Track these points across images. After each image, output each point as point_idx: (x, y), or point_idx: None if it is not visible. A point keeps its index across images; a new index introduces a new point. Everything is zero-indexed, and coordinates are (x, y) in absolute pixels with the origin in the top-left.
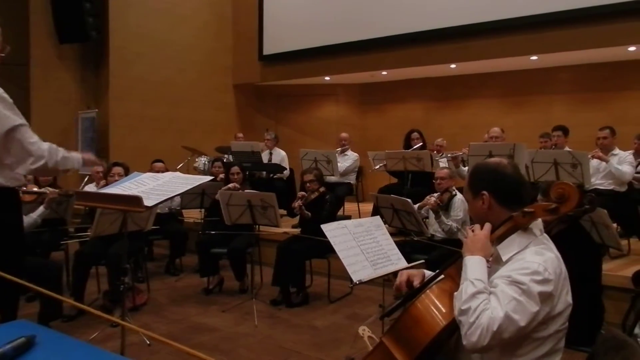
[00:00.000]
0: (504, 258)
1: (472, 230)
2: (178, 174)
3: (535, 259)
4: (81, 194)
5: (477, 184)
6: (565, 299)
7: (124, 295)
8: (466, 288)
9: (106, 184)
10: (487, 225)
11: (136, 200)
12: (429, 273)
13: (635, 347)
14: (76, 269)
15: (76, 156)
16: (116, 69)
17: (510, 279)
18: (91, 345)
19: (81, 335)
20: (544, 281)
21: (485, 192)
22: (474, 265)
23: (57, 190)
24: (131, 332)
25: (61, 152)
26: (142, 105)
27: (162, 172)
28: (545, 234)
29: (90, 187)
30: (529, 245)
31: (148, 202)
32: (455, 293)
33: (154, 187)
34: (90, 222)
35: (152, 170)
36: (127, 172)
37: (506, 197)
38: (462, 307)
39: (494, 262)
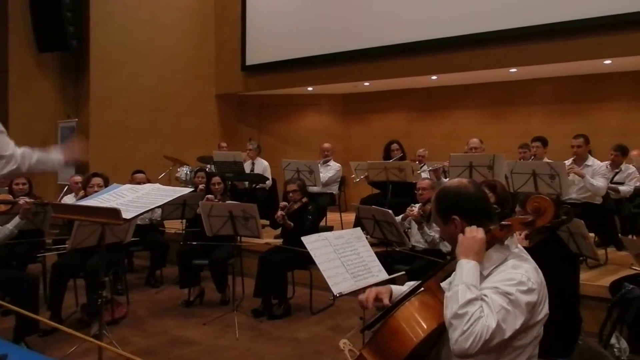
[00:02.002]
0: (485, 272)
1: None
2: (157, 185)
3: (517, 270)
4: (58, 206)
5: (445, 210)
6: (544, 308)
7: (102, 309)
8: (463, 292)
9: (85, 195)
10: (481, 230)
11: (114, 212)
12: (396, 288)
13: (609, 358)
14: (53, 282)
15: (54, 158)
16: (97, 78)
17: (498, 289)
18: None
19: (58, 350)
20: (529, 291)
21: (455, 217)
22: (470, 270)
23: (31, 200)
24: (112, 346)
25: (36, 155)
26: (123, 115)
27: (143, 182)
28: (521, 247)
29: (69, 198)
30: (508, 259)
31: (127, 215)
32: (448, 294)
33: (133, 199)
34: (68, 234)
35: (132, 181)
36: (106, 182)
37: (476, 217)
38: (459, 312)
39: None
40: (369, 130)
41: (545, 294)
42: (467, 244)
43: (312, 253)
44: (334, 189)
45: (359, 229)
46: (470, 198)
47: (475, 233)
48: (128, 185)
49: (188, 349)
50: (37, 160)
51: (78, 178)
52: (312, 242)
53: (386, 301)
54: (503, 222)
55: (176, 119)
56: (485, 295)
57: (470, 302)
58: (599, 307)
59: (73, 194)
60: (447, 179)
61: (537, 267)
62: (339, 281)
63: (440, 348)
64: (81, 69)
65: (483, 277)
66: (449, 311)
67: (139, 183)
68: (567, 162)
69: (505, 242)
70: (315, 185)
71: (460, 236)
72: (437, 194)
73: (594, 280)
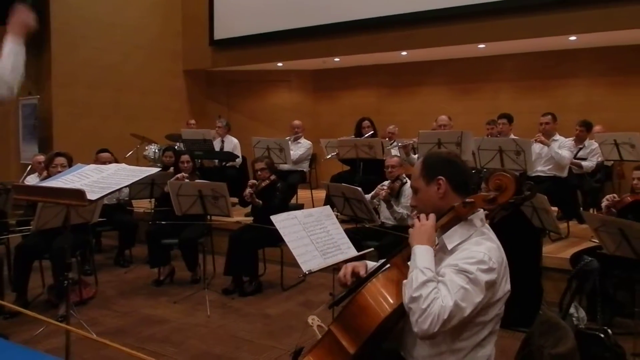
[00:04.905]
0: (449, 247)
1: (419, 219)
2: (123, 165)
3: (479, 248)
4: (20, 188)
5: (432, 171)
6: (505, 286)
7: (69, 291)
8: (416, 276)
9: (48, 176)
10: (432, 216)
11: (79, 193)
12: (371, 264)
13: (567, 329)
14: (17, 264)
15: (10, 47)
16: (58, 53)
17: (458, 267)
18: (27, 347)
19: (25, 332)
20: (489, 270)
21: (442, 177)
22: (422, 254)
23: None
24: (80, 327)
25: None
26: (87, 92)
27: (109, 162)
28: (486, 224)
29: (32, 178)
30: (472, 236)
31: (92, 196)
32: (405, 281)
33: (98, 179)
34: (32, 215)
35: (97, 160)
36: (70, 162)
37: (459, 184)
38: (413, 295)
39: (440, 251)
40: (339, 107)
41: (506, 273)
42: (418, 231)
43: (281, 232)
44: (305, 167)
45: (328, 207)
46: (458, 167)
47: (424, 221)
48: (93, 166)
49: (159, 327)
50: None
51: (41, 157)
52: (282, 221)
53: (363, 273)
54: (466, 200)
55: (142, 95)
56: (444, 275)
57: (424, 284)
58: (561, 279)
59: (36, 174)
60: (417, 155)
61: (500, 245)
62: (309, 259)
63: (406, 321)
64: (41, 43)
65: (448, 252)
66: (406, 297)
67: (104, 162)
68: (532, 140)
69: (469, 218)
70: (285, 163)
71: (411, 229)
72: (427, 155)
73: (556, 252)
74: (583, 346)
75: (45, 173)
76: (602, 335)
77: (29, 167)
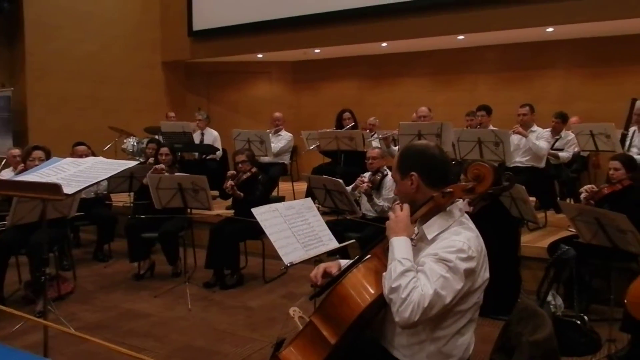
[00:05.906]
0: (429, 237)
1: (394, 213)
2: (101, 158)
3: (459, 238)
4: None
5: (406, 165)
6: (484, 274)
7: (46, 287)
8: (395, 267)
9: (25, 169)
10: (406, 206)
11: (55, 187)
12: (344, 262)
13: (544, 316)
14: None
15: None
16: (33, 43)
17: (437, 256)
18: (3, 344)
19: (2, 329)
20: (468, 258)
21: (414, 173)
22: (400, 246)
23: None
24: (58, 322)
25: None
26: (63, 84)
27: (85, 155)
28: (465, 214)
29: (7, 172)
30: (451, 226)
31: (68, 190)
32: (384, 273)
33: (75, 173)
34: (7, 209)
35: (74, 153)
36: (48, 156)
37: (433, 178)
38: (393, 285)
39: (420, 241)
40: (320, 98)
41: (485, 261)
42: (394, 224)
43: (262, 224)
44: (286, 159)
45: (309, 199)
46: (434, 160)
47: (398, 212)
48: (69, 159)
49: (139, 321)
50: None
51: (16, 151)
52: (263, 214)
53: (334, 272)
54: (445, 190)
55: (120, 87)
56: (424, 264)
57: (402, 274)
58: (538, 267)
59: (11, 168)
60: (397, 147)
61: (479, 235)
62: (290, 251)
63: (386, 311)
64: (15, 33)
65: (428, 242)
66: (386, 288)
67: (80, 156)
68: (510, 132)
69: (449, 209)
70: (266, 156)
71: (388, 222)
72: (402, 149)
73: (534, 242)
74: (560, 332)
75: (20, 167)
76: (578, 322)
77: (4, 161)
